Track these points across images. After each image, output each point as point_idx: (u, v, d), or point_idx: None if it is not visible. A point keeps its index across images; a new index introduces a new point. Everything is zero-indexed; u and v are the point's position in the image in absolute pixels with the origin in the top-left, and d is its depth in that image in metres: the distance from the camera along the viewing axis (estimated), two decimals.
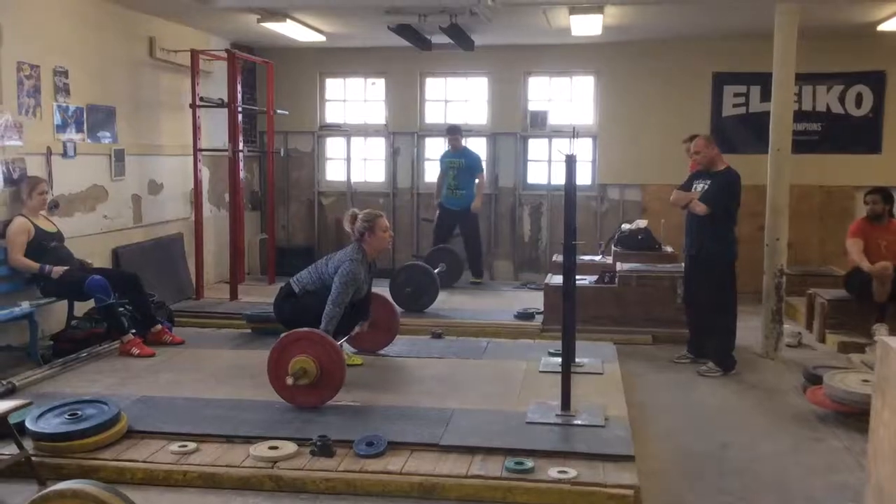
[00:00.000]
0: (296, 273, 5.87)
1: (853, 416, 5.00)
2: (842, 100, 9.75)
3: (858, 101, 9.72)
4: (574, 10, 7.62)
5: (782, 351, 6.92)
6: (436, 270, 8.39)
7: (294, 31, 8.77)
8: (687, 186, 6.55)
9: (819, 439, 4.96)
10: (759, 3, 7.09)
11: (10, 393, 5.15)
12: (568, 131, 10.00)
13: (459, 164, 9.57)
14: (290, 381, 4.87)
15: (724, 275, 6.34)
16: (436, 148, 10.69)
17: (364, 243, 5.61)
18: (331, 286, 5.41)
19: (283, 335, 5.12)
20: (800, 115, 9.01)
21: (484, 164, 9.86)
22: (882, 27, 8.35)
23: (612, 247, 8.74)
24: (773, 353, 6.86)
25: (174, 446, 4.35)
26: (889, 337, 3.33)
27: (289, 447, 4.29)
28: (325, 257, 5.77)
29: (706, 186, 6.33)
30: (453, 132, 9.65)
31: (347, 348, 6.06)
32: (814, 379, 5.62)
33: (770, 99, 7.05)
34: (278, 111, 9.75)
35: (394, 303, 6.69)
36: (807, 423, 5.24)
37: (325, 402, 4.99)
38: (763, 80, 8.39)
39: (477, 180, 9.59)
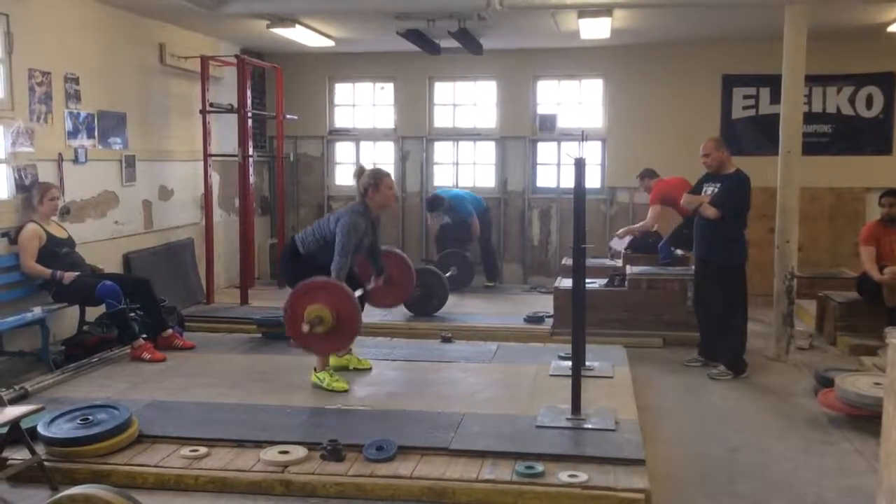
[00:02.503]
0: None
1: (865, 419, 4.97)
2: (852, 101, 9.72)
3: (869, 102, 9.68)
4: (583, 14, 7.62)
5: (793, 354, 6.90)
6: (446, 274, 8.40)
7: (303, 36, 8.79)
8: (696, 190, 6.53)
9: (831, 442, 4.93)
10: (769, 5, 7.07)
11: (22, 398, 5.17)
12: (577, 134, 9.93)
13: (451, 220, 9.49)
14: (305, 328, 4.98)
15: (734, 278, 6.32)
16: (445, 152, 10.72)
17: (368, 199, 5.61)
18: (333, 242, 5.45)
19: (298, 285, 5.21)
20: (810, 117, 8.98)
21: (472, 207, 9.53)
22: (892, 28, 8.31)
23: (622, 250, 8.73)
24: (785, 356, 6.83)
25: (185, 451, 4.37)
26: None
27: (299, 451, 4.30)
28: (326, 215, 5.82)
29: (716, 189, 6.31)
30: (435, 207, 9.42)
31: (356, 352, 6.06)
32: (825, 382, 5.60)
33: (780, 101, 7.03)
34: (288, 116, 9.78)
35: (408, 258, 6.63)
36: (818, 427, 5.21)
37: (343, 348, 5.13)
38: (773, 82, 8.37)
39: (471, 224, 9.43)
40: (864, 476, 4.37)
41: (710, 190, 6.37)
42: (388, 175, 5.69)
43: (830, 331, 7.46)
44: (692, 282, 6.92)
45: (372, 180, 5.59)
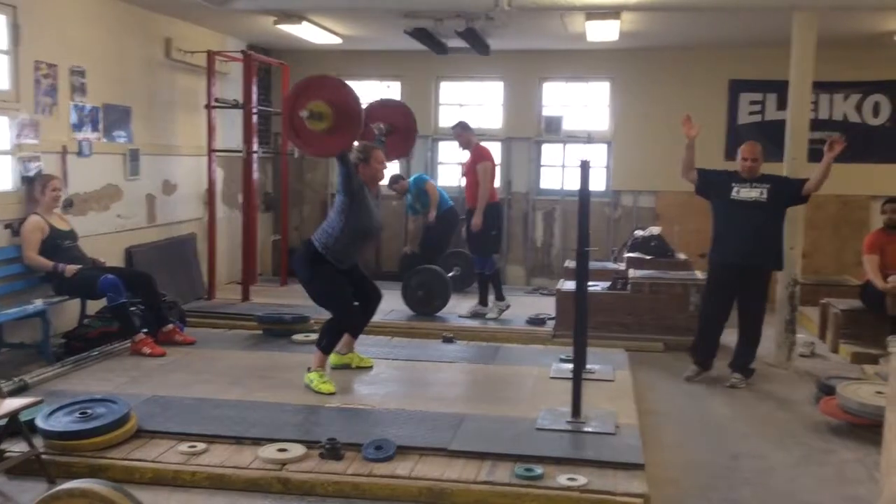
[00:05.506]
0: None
1: (866, 427, 4.96)
2: (859, 109, 9.69)
3: (876, 110, 9.66)
4: (591, 16, 7.60)
5: (795, 361, 6.87)
6: (449, 274, 8.39)
7: (310, 33, 8.79)
8: (723, 184, 6.21)
9: (831, 451, 4.91)
10: (777, 12, 7.05)
11: (21, 390, 5.17)
12: (582, 137, 9.99)
13: (412, 199, 9.41)
14: (304, 113, 5.03)
15: (768, 283, 6.33)
16: (450, 152, 10.69)
17: (359, 173, 5.51)
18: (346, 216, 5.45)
19: (297, 83, 5.30)
20: (816, 124, 8.95)
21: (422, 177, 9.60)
22: None
23: (625, 253, 8.71)
24: (786, 363, 6.81)
25: (183, 447, 4.36)
26: None
27: (297, 449, 4.29)
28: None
29: (766, 190, 6.08)
30: (395, 182, 9.42)
31: (358, 350, 6.05)
32: (827, 390, 5.58)
33: (786, 107, 7.01)
34: None
35: (408, 107, 6.54)
36: (819, 435, 5.20)
37: (346, 146, 5.19)
38: (779, 88, 8.33)
39: (428, 190, 9.30)
40: (864, 485, 4.36)
41: (755, 193, 6.09)
42: (377, 149, 5.65)
43: (833, 338, 7.44)
44: (695, 287, 6.87)
45: (362, 155, 5.53)
